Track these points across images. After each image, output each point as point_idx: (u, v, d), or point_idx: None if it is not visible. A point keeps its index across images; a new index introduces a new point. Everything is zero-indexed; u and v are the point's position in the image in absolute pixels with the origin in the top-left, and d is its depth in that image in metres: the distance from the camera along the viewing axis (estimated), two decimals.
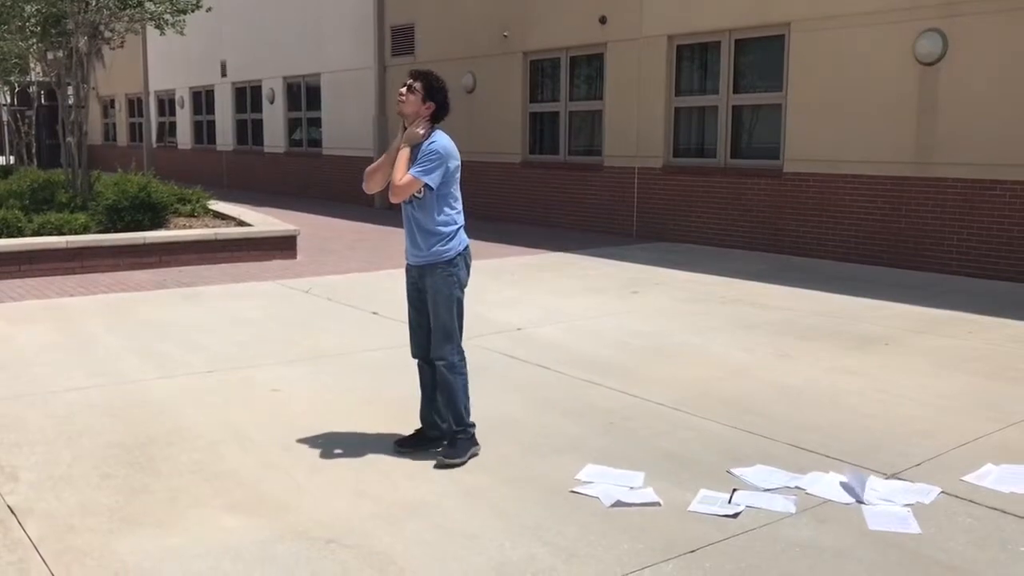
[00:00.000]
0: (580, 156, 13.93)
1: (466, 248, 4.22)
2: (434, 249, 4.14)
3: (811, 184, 10.75)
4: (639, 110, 12.64)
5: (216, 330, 7.05)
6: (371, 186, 4.24)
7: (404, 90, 4.12)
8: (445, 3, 15.82)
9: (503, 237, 12.58)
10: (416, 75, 4.15)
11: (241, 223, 11.54)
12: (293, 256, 10.86)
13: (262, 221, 11.75)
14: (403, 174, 4.04)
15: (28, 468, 4.18)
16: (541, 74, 14.53)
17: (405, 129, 4.16)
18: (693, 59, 12.36)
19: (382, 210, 16.66)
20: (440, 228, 4.13)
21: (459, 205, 4.20)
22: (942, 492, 3.88)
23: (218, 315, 7.66)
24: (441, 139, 4.11)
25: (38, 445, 4.49)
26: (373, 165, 4.24)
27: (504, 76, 14.76)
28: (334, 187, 18.72)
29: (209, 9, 13.68)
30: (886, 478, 4.06)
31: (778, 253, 11.03)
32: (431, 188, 4.06)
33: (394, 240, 12.18)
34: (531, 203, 14.46)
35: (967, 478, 4.04)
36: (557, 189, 14.03)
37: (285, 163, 20.83)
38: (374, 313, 7.62)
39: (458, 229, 4.19)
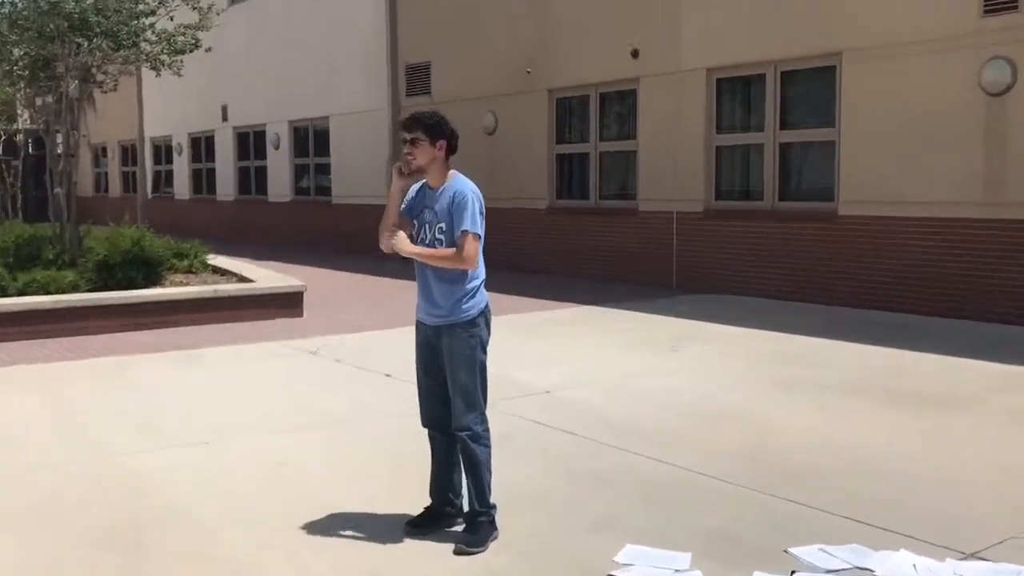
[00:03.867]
0: (612, 200, 13.97)
1: (487, 305, 4.22)
2: (455, 307, 4.11)
3: (868, 228, 10.69)
4: (677, 149, 12.70)
5: (215, 396, 7.06)
6: (384, 243, 4.23)
7: (407, 148, 4.11)
8: (463, 39, 16.07)
9: (529, 290, 12.60)
10: (409, 126, 4.11)
11: (243, 279, 11.61)
12: (299, 314, 10.89)
13: (266, 276, 11.83)
14: (454, 255, 4.05)
15: (5, 553, 4.15)
16: (568, 113, 14.64)
17: (414, 176, 4.16)
18: (735, 93, 12.40)
19: (396, 263, 16.69)
20: (464, 284, 4.12)
21: (482, 257, 4.18)
22: None
23: (217, 379, 7.68)
24: (464, 184, 4.12)
25: (18, 528, 4.47)
26: (383, 218, 4.20)
27: (528, 116, 14.89)
28: (345, 238, 18.85)
29: (209, 49, 13.91)
30: (964, 557, 3.96)
31: (833, 305, 10.95)
32: (479, 238, 4.10)
33: (409, 295, 12.11)
34: (559, 252, 14.50)
35: None
36: (587, 237, 14.06)
37: (291, 213, 21.05)
38: (387, 376, 7.61)
39: (481, 284, 4.19)
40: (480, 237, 4.07)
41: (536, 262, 14.77)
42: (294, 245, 20.31)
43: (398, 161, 4.16)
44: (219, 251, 14.18)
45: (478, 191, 4.12)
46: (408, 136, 4.10)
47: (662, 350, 8.66)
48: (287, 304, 10.88)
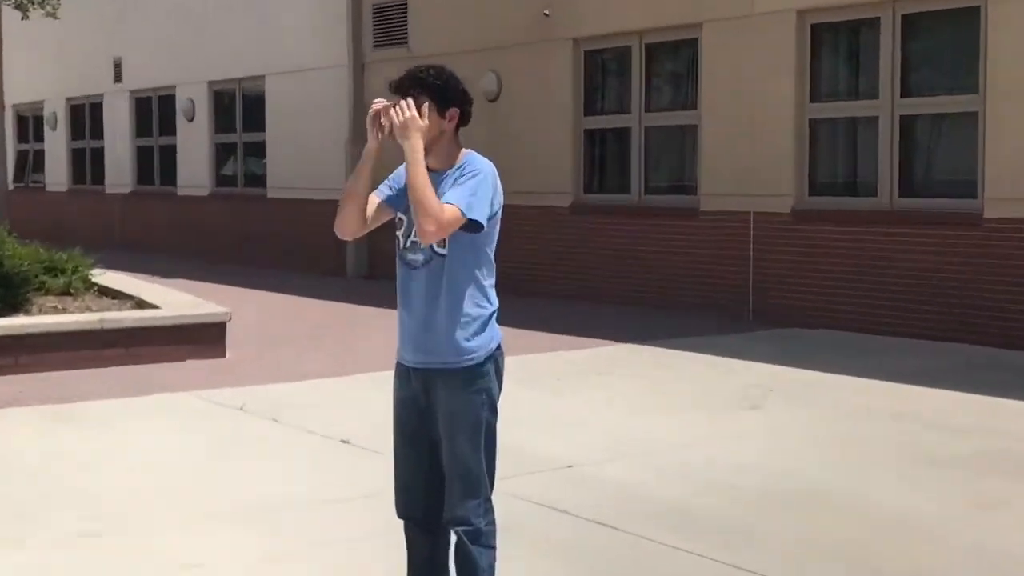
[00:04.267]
0: (663, 196, 14.00)
1: (500, 347, 4.22)
2: (458, 344, 4.10)
3: None
4: (754, 124, 12.68)
5: (100, 471, 7.03)
6: (344, 224, 4.20)
7: (407, 111, 4.04)
8: None
9: (544, 320, 12.55)
10: (405, 88, 4.10)
11: (142, 304, 11.59)
12: (221, 353, 10.90)
13: (174, 301, 11.81)
14: (435, 199, 3.95)
15: None
16: (602, 72, 14.73)
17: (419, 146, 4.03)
18: (837, 45, 12.44)
19: (359, 280, 16.78)
20: (470, 308, 4.12)
21: (494, 276, 4.22)
22: None
23: (104, 446, 7.64)
24: (482, 162, 4.13)
25: None
26: (346, 188, 4.20)
27: (544, 76, 14.90)
28: (285, 247, 18.87)
29: None
30: None
31: (975, 344, 10.88)
32: (477, 227, 4.02)
33: (375, 326, 12.09)
34: (588, 267, 14.48)
35: None
36: (627, 246, 14.05)
37: (211, 212, 21.02)
38: (344, 442, 7.61)
39: (493, 314, 4.20)
40: (479, 226, 4.01)
41: (554, 281, 14.75)
42: (214, 256, 20.20)
43: (376, 105, 4.12)
44: (109, 264, 14.17)
45: (497, 177, 4.13)
46: (401, 103, 4.08)
47: (731, 407, 8.64)
48: (204, 339, 10.86)
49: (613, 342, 11.48)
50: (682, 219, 13.52)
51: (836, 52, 12.47)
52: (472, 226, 4.00)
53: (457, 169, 4.09)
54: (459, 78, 4.19)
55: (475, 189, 4.01)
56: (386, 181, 4.23)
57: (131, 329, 10.65)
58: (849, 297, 11.99)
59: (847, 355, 10.59)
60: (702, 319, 12.75)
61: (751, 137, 12.75)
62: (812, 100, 12.43)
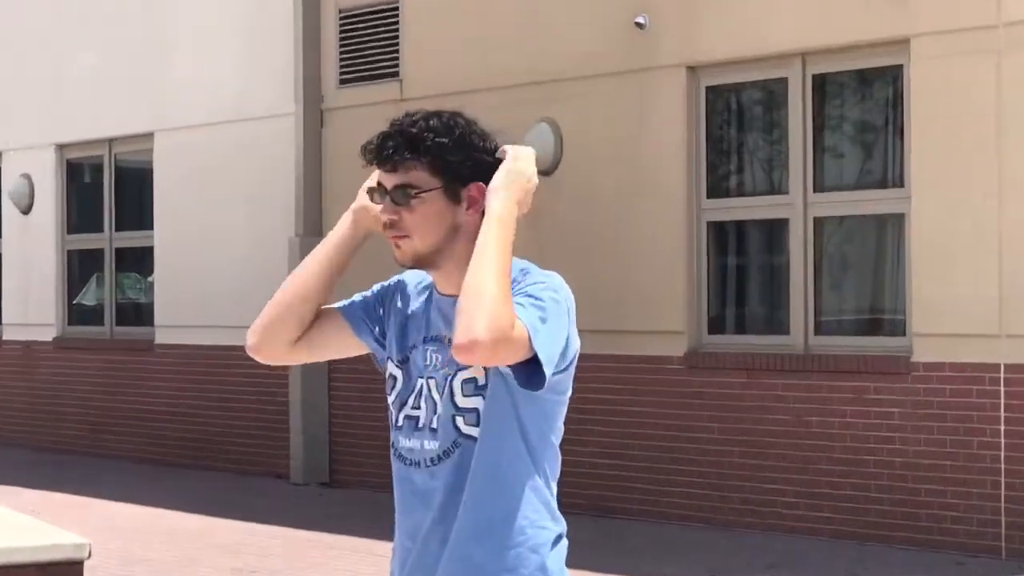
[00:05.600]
0: (846, 337, 13.76)
1: None
2: None
3: None
4: (1001, 208, 12.38)
5: None
6: (267, 330, 4.21)
7: (387, 212, 4.11)
8: None
9: (637, 552, 12.77)
10: (389, 147, 4.06)
11: None
12: None
13: None
14: (511, 298, 3.85)
15: None
16: (736, 120, 14.88)
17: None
18: None
19: (312, 489, 16.92)
20: (522, 530, 4.06)
21: (557, 477, 4.27)
22: None
23: None
24: (544, 273, 4.16)
25: None
26: (289, 278, 4.34)
27: (637, 130, 14.56)
28: (186, 429, 18.91)
29: None
30: None
31: None
32: (534, 381, 3.87)
33: (330, 567, 12.22)
34: (712, 461, 14.15)
35: None
36: (785, 424, 13.69)
37: (59, 369, 21.22)
38: None
39: (558, 541, 4.16)
40: (539, 380, 3.84)
41: (654, 485, 14.57)
42: (65, 444, 20.63)
43: (371, 185, 4.20)
44: None
45: (573, 303, 4.08)
46: (389, 182, 4.10)
47: None
48: None
49: None
50: (878, 378, 13.22)
51: None
52: (529, 377, 3.90)
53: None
54: (484, 130, 4.16)
55: (545, 310, 3.95)
56: (365, 294, 4.37)
57: None
58: None
59: None
60: (914, 551, 12.66)
61: (1002, 231, 12.49)
62: None
